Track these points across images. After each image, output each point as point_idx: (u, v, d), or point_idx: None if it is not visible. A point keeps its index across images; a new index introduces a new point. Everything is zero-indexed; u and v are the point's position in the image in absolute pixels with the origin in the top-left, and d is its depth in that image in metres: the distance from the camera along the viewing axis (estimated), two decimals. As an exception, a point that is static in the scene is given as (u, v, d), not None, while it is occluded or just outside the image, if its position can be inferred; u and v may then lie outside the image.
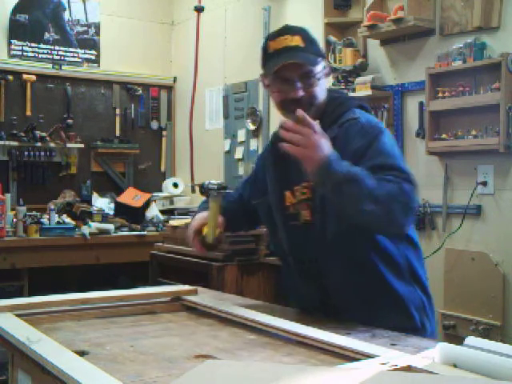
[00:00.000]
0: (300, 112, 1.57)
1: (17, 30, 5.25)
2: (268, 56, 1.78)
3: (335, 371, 1.16)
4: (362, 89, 3.75)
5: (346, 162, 1.57)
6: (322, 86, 1.77)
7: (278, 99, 1.78)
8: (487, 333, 3.13)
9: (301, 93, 1.72)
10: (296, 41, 1.74)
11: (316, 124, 1.58)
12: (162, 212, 4.97)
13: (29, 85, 5.23)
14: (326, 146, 1.56)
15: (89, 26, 5.60)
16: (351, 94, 3.82)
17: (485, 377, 1.11)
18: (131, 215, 4.76)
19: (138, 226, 4.62)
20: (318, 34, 4.16)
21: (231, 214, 1.96)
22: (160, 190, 5.53)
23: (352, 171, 1.54)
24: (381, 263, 1.70)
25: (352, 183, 1.53)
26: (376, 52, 3.89)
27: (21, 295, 3.98)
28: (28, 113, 5.24)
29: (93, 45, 5.61)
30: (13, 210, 4.30)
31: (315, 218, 1.73)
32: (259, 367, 1.22)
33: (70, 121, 5.41)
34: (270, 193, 1.86)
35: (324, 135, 1.58)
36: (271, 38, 1.80)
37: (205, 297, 1.89)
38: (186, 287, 1.97)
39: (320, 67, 1.75)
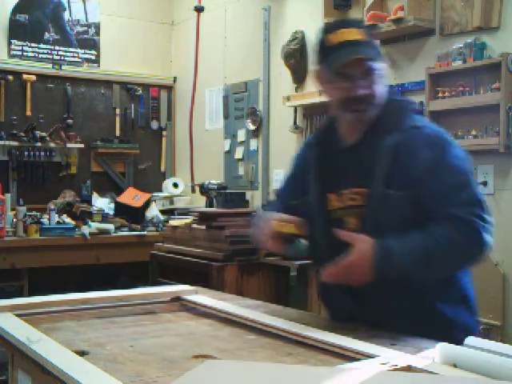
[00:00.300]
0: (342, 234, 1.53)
1: (17, 30, 5.25)
2: (327, 50, 1.65)
3: (335, 371, 1.16)
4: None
5: (392, 247, 1.51)
6: (383, 84, 1.67)
7: (338, 97, 1.67)
8: (487, 333, 3.13)
9: (362, 91, 1.62)
10: (354, 34, 1.62)
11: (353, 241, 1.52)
12: (162, 212, 4.97)
13: (29, 85, 5.23)
14: (365, 260, 1.50)
15: (89, 26, 5.60)
16: (351, 94, 3.83)
17: (485, 377, 1.11)
18: (131, 215, 4.76)
19: (138, 226, 4.62)
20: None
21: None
22: (160, 190, 5.53)
23: (404, 262, 1.50)
24: (429, 283, 1.62)
25: (408, 269, 1.51)
26: (376, 52, 3.89)
27: (21, 295, 3.98)
28: (28, 113, 5.24)
29: (93, 45, 5.61)
30: (13, 210, 4.31)
31: (365, 228, 1.60)
32: (259, 367, 1.22)
33: (70, 121, 5.41)
34: (310, 194, 1.74)
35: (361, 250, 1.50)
36: (329, 30, 1.66)
37: (205, 297, 1.88)
38: (186, 287, 1.97)
39: (381, 63, 1.65)
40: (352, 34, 1.61)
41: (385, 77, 1.68)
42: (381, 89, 1.65)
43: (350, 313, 1.69)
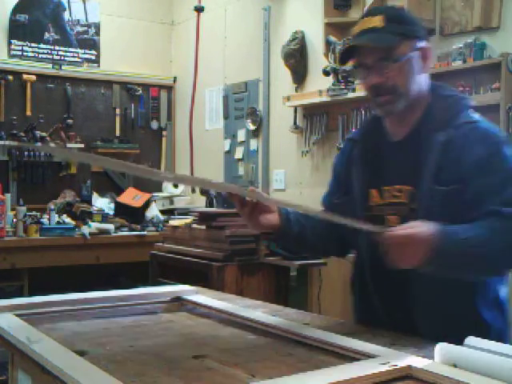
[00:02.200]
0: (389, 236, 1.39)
1: (17, 30, 5.25)
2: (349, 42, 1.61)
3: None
4: (362, 89, 3.75)
5: (452, 233, 1.41)
6: (410, 72, 1.55)
7: (364, 88, 1.62)
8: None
9: (376, 79, 1.55)
10: (375, 22, 1.54)
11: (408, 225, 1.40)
12: (162, 212, 4.97)
13: (29, 85, 5.23)
14: (424, 241, 1.37)
15: (89, 26, 5.60)
16: (351, 94, 3.83)
17: (485, 377, 1.11)
18: (131, 215, 4.76)
19: (138, 226, 4.62)
20: (318, 34, 4.17)
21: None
22: (160, 190, 5.53)
23: (465, 250, 1.40)
24: (471, 286, 1.54)
25: (466, 260, 1.42)
26: (376, 52, 3.89)
27: (21, 295, 3.98)
28: (28, 113, 5.24)
29: (93, 45, 5.61)
30: (13, 209, 4.30)
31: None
32: None
33: (70, 121, 5.41)
34: (353, 192, 1.68)
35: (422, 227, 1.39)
36: (359, 20, 1.62)
37: (205, 297, 1.88)
38: (186, 287, 1.97)
39: (404, 48, 1.53)
40: (372, 22, 1.55)
41: (422, 63, 1.57)
42: (405, 76, 1.54)
43: (386, 315, 1.63)
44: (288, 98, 4.38)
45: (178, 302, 1.87)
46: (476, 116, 1.59)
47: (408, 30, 1.55)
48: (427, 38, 1.62)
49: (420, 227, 1.38)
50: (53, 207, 4.38)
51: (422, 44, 1.57)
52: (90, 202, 5.01)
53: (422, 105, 1.60)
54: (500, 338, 1.54)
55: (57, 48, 5.44)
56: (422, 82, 1.59)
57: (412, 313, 1.57)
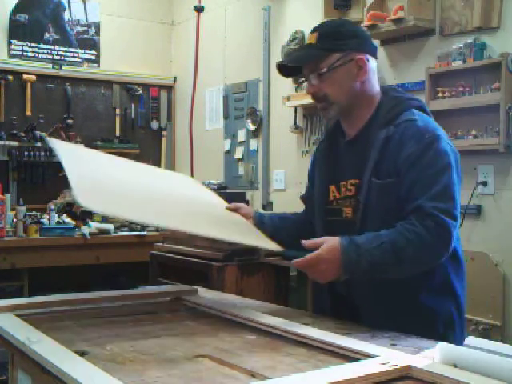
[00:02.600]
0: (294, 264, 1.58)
1: (17, 30, 5.25)
2: None
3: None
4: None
5: (359, 245, 1.54)
6: (340, 81, 1.70)
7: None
8: (487, 333, 3.13)
9: (309, 89, 1.73)
10: (311, 38, 1.73)
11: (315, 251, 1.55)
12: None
13: (29, 85, 5.23)
14: (332, 258, 1.54)
15: (89, 26, 5.60)
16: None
17: (485, 377, 1.11)
18: (131, 215, 4.76)
19: (138, 226, 4.62)
20: (318, 33, 4.17)
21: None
22: (160, 190, 5.52)
23: (373, 259, 1.53)
24: (412, 276, 1.63)
25: (377, 267, 1.55)
26: (376, 52, 3.89)
27: (21, 295, 3.98)
28: (28, 113, 5.24)
29: (93, 45, 5.61)
30: (13, 209, 4.30)
31: (356, 217, 1.69)
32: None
33: (70, 121, 5.41)
34: (316, 186, 1.85)
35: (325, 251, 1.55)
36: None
37: (205, 297, 1.88)
38: (186, 287, 1.97)
39: (331, 61, 1.68)
40: (309, 39, 1.74)
41: (353, 73, 1.71)
42: (332, 85, 1.70)
43: (333, 301, 1.77)
44: (288, 98, 4.38)
45: (178, 302, 1.87)
46: (417, 115, 1.69)
47: (338, 44, 1.69)
48: (366, 47, 1.75)
49: (326, 244, 1.54)
50: (53, 207, 4.38)
51: (354, 55, 1.69)
52: (90, 202, 5.00)
53: (372, 105, 1.74)
54: (450, 324, 1.69)
55: (57, 48, 5.44)
56: (364, 87, 1.72)
57: (357, 308, 1.70)
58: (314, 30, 1.74)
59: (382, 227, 1.60)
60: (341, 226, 1.72)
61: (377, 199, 1.64)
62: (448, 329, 1.68)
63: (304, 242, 1.58)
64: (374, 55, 1.77)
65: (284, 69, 1.80)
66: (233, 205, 1.95)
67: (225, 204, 1.97)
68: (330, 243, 1.55)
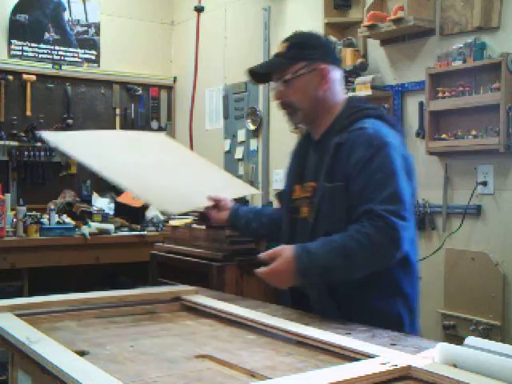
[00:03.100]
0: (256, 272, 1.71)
1: (17, 30, 5.25)
2: None
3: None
4: (361, 89, 3.76)
5: (312, 249, 1.66)
6: (304, 89, 1.82)
7: None
8: (487, 333, 3.13)
9: (276, 96, 1.86)
10: (282, 47, 1.85)
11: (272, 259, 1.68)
12: (162, 212, 4.96)
13: (29, 85, 5.23)
14: (288, 256, 1.65)
15: (89, 26, 5.60)
16: (351, 94, 3.83)
17: (485, 377, 1.11)
18: (131, 215, 4.76)
19: (138, 226, 4.62)
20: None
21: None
22: (160, 190, 5.52)
23: (325, 263, 1.64)
24: (362, 279, 1.70)
25: (329, 270, 1.66)
26: (376, 52, 3.89)
27: (21, 295, 3.98)
28: (28, 113, 5.24)
29: (93, 45, 5.61)
30: (13, 210, 4.30)
31: (311, 217, 1.81)
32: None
33: (70, 121, 5.41)
34: (285, 185, 2.00)
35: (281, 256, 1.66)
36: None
37: (205, 297, 1.88)
38: (186, 287, 1.97)
39: (295, 70, 1.80)
40: (280, 48, 1.85)
41: (317, 82, 1.83)
42: (296, 93, 1.81)
43: (294, 299, 1.92)
44: (288, 98, 4.37)
45: (178, 302, 1.87)
46: (370, 123, 1.77)
47: (304, 54, 1.81)
48: (330, 58, 1.86)
49: (280, 256, 1.65)
50: (53, 207, 4.38)
51: (318, 65, 1.81)
52: (90, 202, 5.00)
53: (333, 113, 1.84)
54: (399, 325, 1.72)
55: (57, 48, 5.44)
56: (327, 95, 1.84)
57: (315, 308, 1.81)
58: (285, 40, 1.86)
59: (334, 228, 1.70)
60: (300, 224, 1.87)
61: (328, 202, 1.75)
62: (397, 329, 1.67)
63: (260, 255, 1.71)
64: (339, 66, 1.89)
65: (255, 76, 1.94)
66: (214, 196, 2.14)
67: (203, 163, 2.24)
68: (284, 255, 1.65)
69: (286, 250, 1.67)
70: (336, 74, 1.86)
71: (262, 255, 1.71)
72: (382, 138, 1.73)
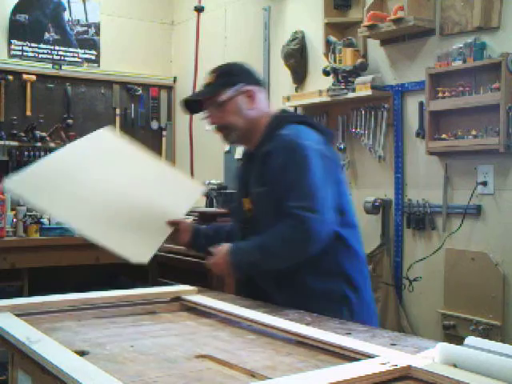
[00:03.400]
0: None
1: (17, 30, 5.25)
2: None
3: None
4: (361, 89, 3.76)
5: (243, 248, 1.94)
6: (236, 110, 2.01)
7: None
8: (487, 333, 3.14)
9: (211, 120, 2.04)
10: (210, 78, 2.05)
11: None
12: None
13: (29, 85, 5.23)
14: (223, 259, 1.94)
15: (89, 26, 5.60)
16: (351, 94, 3.83)
17: (485, 377, 1.11)
18: (131, 215, 4.75)
19: (138, 226, 4.61)
20: (318, 34, 4.17)
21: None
22: (160, 190, 5.52)
23: (250, 259, 1.90)
24: (300, 263, 1.90)
25: (255, 264, 1.90)
26: (376, 52, 3.89)
27: (21, 295, 3.97)
28: (28, 113, 5.23)
29: (93, 45, 5.61)
30: (13, 210, 4.30)
31: (251, 221, 2.03)
32: None
33: (70, 121, 5.41)
34: (235, 200, 2.21)
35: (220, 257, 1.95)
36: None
37: (205, 297, 1.89)
38: (186, 287, 1.97)
39: (225, 95, 1.99)
40: (208, 79, 2.06)
41: (246, 102, 2.02)
42: (230, 115, 2.01)
43: (246, 285, 2.09)
44: (288, 98, 4.38)
45: (178, 302, 1.88)
46: (290, 129, 1.95)
47: (231, 80, 2.02)
48: (254, 81, 2.08)
49: (220, 251, 1.94)
50: (53, 207, 4.37)
51: (245, 87, 2.02)
52: (90, 202, 5.00)
53: (262, 127, 2.03)
54: (345, 303, 1.93)
55: (57, 48, 5.43)
56: (256, 114, 2.03)
57: (265, 292, 1.99)
58: (211, 72, 2.07)
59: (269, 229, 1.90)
60: (249, 230, 2.03)
61: (259, 207, 1.98)
62: (342, 307, 1.93)
63: (209, 250, 1.98)
64: (262, 86, 2.11)
65: (188, 107, 2.14)
66: (173, 220, 2.18)
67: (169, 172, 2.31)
68: (222, 251, 1.94)
69: (224, 247, 1.95)
70: (261, 94, 2.08)
71: (210, 250, 1.98)
72: (296, 141, 1.91)
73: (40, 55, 5.35)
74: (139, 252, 2.02)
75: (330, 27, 4.04)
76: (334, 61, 3.90)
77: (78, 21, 5.56)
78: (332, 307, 1.89)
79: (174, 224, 2.17)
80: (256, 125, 2.04)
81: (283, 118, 2.05)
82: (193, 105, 2.13)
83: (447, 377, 1.12)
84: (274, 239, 1.87)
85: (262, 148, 1.98)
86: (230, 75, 2.04)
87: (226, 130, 2.04)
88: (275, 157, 1.91)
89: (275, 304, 1.91)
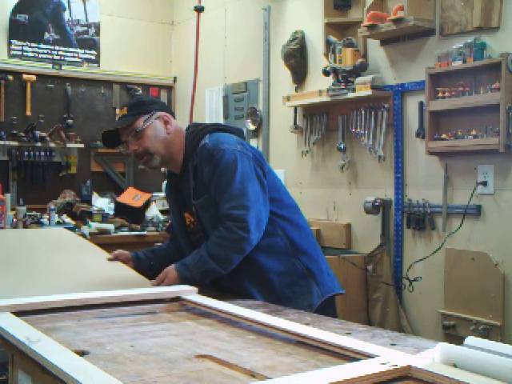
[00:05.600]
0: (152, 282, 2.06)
1: (17, 30, 5.25)
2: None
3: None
4: (361, 89, 3.76)
5: (189, 260, 2.04)
6: (153, 136, 2.09)
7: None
8: (487, 333, 3.14)
9: (131, 148, 2.10)
10: (123, 111, 2.14)
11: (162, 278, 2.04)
12: (162, 212, 4.96)
13: (29, 85, 5.23)
14: (173, 273, 2.03)
15: (89, 26, 5.60)
16: (351, 94, 3.83)
17: (485, 377, 1.11)
18: (131, 215, 4.76)
19: (138, 226, 4.62)
20: (318, 34, 4.17)
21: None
22: (160, 190, 5.51)
23: (202, 268, 2.00)
24: (240, 266, 2.02)
25: (203, 274, 2.02)
26: (376, 52, 3.89)
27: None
28: (28, 113, 5.24)
29: (93, 45, 5.61)
30: (13, 210, 4.30)
31: (200, 232, 2.15)
32: None
33: (70, 121, 5.41)
34: (172, 215, 2.30)
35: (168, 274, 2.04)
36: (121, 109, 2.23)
37: (205, 297, 1.89)
38: (186, 287, 1.97)
39: (141, 122, 2.08)
40: (122, 112, 2.16)
41: (162, 127, 2.12)
42: (148, 140, 2.09)
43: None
44: (288, 98, 4.38)
45: (178, 302, 1.87)
46: (209, 138, 2.07)
47: (145, 109, 2.11)
48: (166, 108, 2.20)
49: (167, 276, 2.03)
50: (53, 207, 4.38)
51: (158, 114, 2.12)
52: (90, 202, 5.01)
53: (182, 146, 2.13)
54: (304, 275, 2.06)
55: (57, 48, 5.44)
56: (173, 136, 2.13)
57: (232, 284, 2.10)
58: (123, 106, 2.17)
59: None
60: (198, 242, 2.12)
61: (201, 216, 2.09)
62: (310, 282, 2.06)
63: (152, 282, 2.05)
64: (172, 114, 2.21)
65: (108, 142, 2.18)
66: (112, 254, 2.30)
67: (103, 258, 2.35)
68: (170, 274, 2.02)
69: (171, 269, 2.03)
70: (173, 120, 2.18)
71: (153, 282, 2.04)
72: (218, 148, 2.03)
73: (40, 55, 5.35)
74: None
75: (330, 27, 4.04)
76: (334, 61, 3.90)
77: (78, 21, 5.56)
78: (299, 283, 2.05)
79: (114, 259, 2.29)
80: (176, 147, 2.13)
81: (199, 131, 2.14)
82: (112, 138, 2.18)
83: (447, 377, 1.12)
84: (217, 245, 1.99)
85: (189, 163, 2.10)
86: (142, 105, 2.15)
87: (147, 156, 2.11)
88: (204, 167, 2.04)
89: (247, 294, 2.04)
